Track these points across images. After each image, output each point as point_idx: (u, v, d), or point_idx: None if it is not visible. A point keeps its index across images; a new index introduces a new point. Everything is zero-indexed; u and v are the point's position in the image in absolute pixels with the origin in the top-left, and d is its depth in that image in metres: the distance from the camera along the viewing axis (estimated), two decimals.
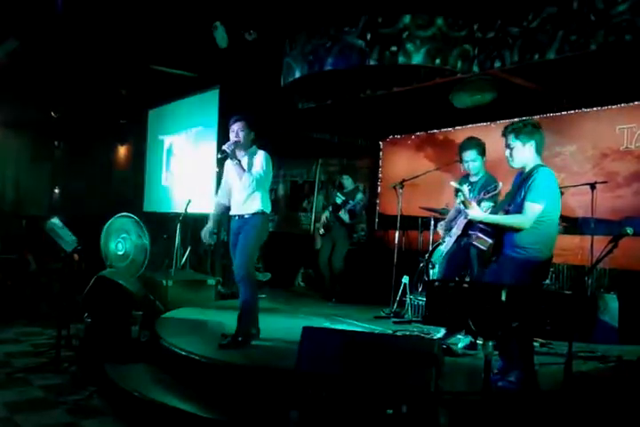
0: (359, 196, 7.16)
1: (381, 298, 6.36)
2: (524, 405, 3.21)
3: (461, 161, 4.80)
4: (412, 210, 6.44)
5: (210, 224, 4.80)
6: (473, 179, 4.80)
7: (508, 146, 3.57)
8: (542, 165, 3.52)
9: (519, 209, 3.43)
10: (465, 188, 3.79)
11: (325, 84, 6.21)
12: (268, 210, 4.57)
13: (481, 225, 3.60)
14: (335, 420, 2.55)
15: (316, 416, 2.60)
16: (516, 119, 6.09)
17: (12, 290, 7.12)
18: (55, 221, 5.15)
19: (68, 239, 5.05)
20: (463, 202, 3.64)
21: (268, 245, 5.18)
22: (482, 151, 4.72)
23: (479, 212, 3.58)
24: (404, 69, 5.50)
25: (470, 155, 4.70)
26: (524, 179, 3.51)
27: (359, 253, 7.48)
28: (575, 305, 2.45)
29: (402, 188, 6.10)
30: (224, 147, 4.47)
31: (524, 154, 3.53)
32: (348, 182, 7.31)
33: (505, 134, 3.59)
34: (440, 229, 4.97)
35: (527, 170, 3.54)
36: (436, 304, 2.39)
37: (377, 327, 5.28)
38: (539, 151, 3.55)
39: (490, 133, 6.43)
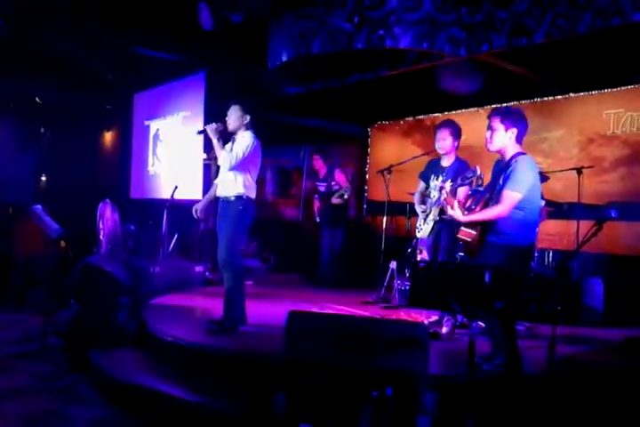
0: (339, 176, 7.08)
1: (370, 283, 6.38)
2: (508, 388, 3.24)
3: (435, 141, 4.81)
4: (400, 196, 6.44)
5: (202, 201, 4.81)
6: (444, 163, 4.79)
7: (490, 127, 3.58)
8: (521, 153, 3.53)
9: (498, 198, 3.45)
10: (447, 184, 3.78)
11: (313, 67, 6.16)
12: (252, 195, 4.55)
13: None
14: (321, 403, 2.56)
15: (303, 400, 2.61)
16: (503, 104, 6.17)
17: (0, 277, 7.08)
18: (38, 207, 5.10)
19: (52, 226, 5.01)
20: (446, 200, 3.65)
21: (257, 231, 5.17)
22: (454, 132, 4.71)
23: (460, 214, 3.57)
24: (392, 53, 5.47)
25: (441, 133, 4.71)
26: (503, 167, 3.52)
27: (348, 238, 7.48)
28: (560, 288, 2.46)
29: (389, 173, 6.09)
30: (207, 126, 4.52)
31: (503, 139, 3.54)
32: (318, 164, 7.24)
33: (490, 116, 3.60)
34: (419, 211, 4.96)
35: (507, 158, 3.56)
36: (421, 286, 2.39)
37: (365, 313, 5.30)
38: (519, 140, 3.56)
39: (476, 119, 6.45)
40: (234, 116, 4.57)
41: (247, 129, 4.59)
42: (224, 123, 4.58)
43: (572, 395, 3.18)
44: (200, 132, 4.72)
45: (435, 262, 3.87)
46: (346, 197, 6.95)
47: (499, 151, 3.62)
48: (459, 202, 3.64)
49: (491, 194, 3.59)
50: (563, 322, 4.01)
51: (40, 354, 4.79)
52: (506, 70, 5.77)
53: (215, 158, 4.83)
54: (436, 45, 4.92)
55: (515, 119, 3.54)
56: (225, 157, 4.44)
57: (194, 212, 4.77)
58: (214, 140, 4.50)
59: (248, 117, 4.58)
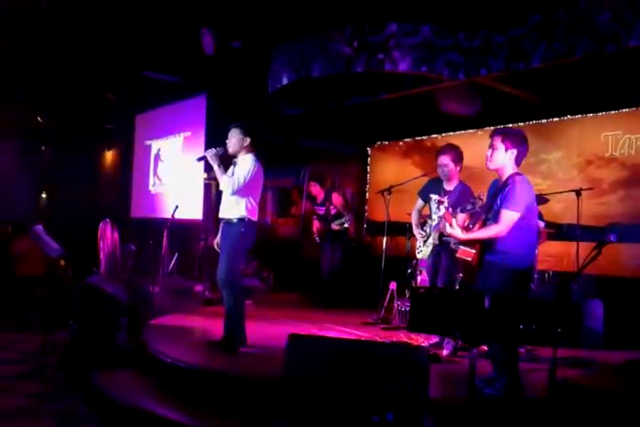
0: (336, 200, 7.14)
1: (370, 304, 6.36)
2: (508, 411, 3.22)
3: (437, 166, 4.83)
4: (400, 216, 6.46)
5: (219, 234, 4.78)
6: (448, 187, 4.79)
7: (491, 146, 3.62)
8: (518, 174, 3.57)
9: (496, 217, 3.47)
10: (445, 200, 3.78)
11: (312, 90, 6.23)
12: (254, 217, 4.56)
13: None
14: None
15: (303, 424, 2.60)
16: (501, 126, 6.22)
17: None
18: (39, 228, 5.11)
19: (52, 246, 5.02)
20: (444, 217, 3.66)
21: (257, 251, 5.17)
22: (456, 158, 4.71)
23: (460, 233, 3.58)
24: (391, 77, 5.53)
25: (443, 159, 4.72)
26: (500, 187, 3.56)
27: (348, 258, 7.48)
28: (560, 311, 2.46)
29: (390, 194, 6.12)
30: (206, 152, 4.52)
31: (503, 159, 3.58)
32: (316, 190, 7.32)
33: (493, 135, 3.64)
34: (417, 234, 4.97)
35: (503, 178, 3.59)
36: (421, 311, 2.40)
37: (365, 334, 5.29)
38: (518, 162, 3.60)
39: (476, 141, 6.50)
40: (234, 139, 4.57)
41: (248, 152, 4.60)
42: (224, 146, 4.58)
43: (573, 418, 3.16)
44: (200, 159, 4.66)
45: (434, 288, 3.87)
46: (346, 225, 6.98)
47: (497, 170, 3.65)
48: (458, 224, 3.66)
49: (487, 214, 3.61)
50: (563, 345, 4.00)
51: (39, 375, 4.77)
52: (504, 93, 5.84)
53: (215, 178, 4.84)
54: (435, 69, 4.99)
55: (516, 140, 3.58)
56: (227, 182, 4.44)
57: (215, 246, 4.76)
58: (215, 166, 4.48)
59: (248, 140, 4.58)
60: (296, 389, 2.57)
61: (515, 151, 3.56)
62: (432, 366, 2.90)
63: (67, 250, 5.06)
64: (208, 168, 6.65)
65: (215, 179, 4.90)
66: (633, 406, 3.22)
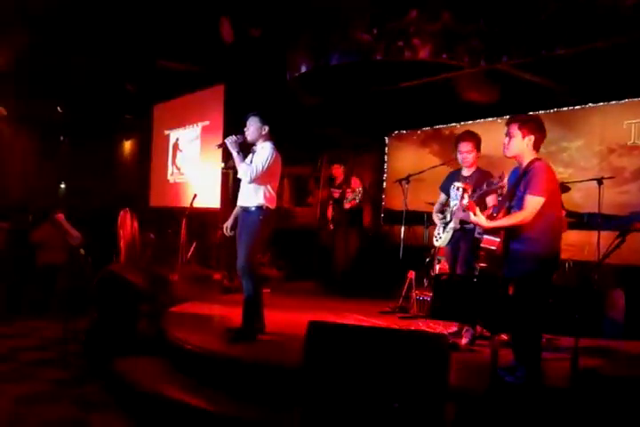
0: (354, 183, 7.14)
1: (387, 293, 6.36)
2: (528, 400, 3.21)
3: (457, 153, 4.80)
4: (418, 205, 6.42)
5: (231, 218, 4.82)
6: (465, 173, 4.78)
7: (508, 134, 3.59)
8: (538, 159, 3.53)
9: (520, 204, 3.44)
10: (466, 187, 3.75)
11: (331, 79, 6.20)
12: (273, 205, 4.57)
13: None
14: (341, 416, 2.55)
15: (322, 412, 2.60)
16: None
17: (19, 284, 7.15)
18: (60, 216, 5.16)
19: (73, 234, 5.07)
20: (468, 206, 3.63)
21: (274, 240, 5.18)
22: (477, 144, 4.70)
23: (485, 220, 3.55)
24: (411, 64, 5.48)
25: (466, 146, 4.70)
26: (522, 174, 3.52)
27: (366, 247, 7.47)
28: (582, 300, 2.44)
29: (407, 183, 6.09)
30: (226, 139, 4.54)
31: (520, 146, 3.55)
32: (338, 172, 7.33)
33: (509, 123, 3.61)
34: (436, 219, 4.94)
35: (523, 165, 3.55)
36: (443, 298, 2.38)
37: (383, 322, 5.29)
38: (536, 148, 3.56)
39: (496, 129, 6.42)
40: (253, 128, 4.57)
41: (266, 140, 4.60)
42: (243, 134, 4.58)
43: (594, 408, 3.14)
44: (220, 146, 4.71)
45: (456, 275, 3.84)
46: (357, 200, 6.95)
47: (515, 157, 3.62)
48: (483, 212, 3.63)
49: (510, 202, 3.58)
50: (584, 334, 3.97)
51: (60, 361, 4.84)
52: (525, 80, 5.76)
53: (233, 167, 4.85)
54: (456, 56, 4.93)
55: (532, 127, 3.54)
56: (245, 169, 4.45)
57: (225, 230, 4.80)
58: (234, 153, 4.50)
59: (267, 128, 4.58)
60: (316, 376, 2.57)
61: (532, 138, 3.53)
62: (453, 354, 2.89)
63: (87, 238, 5.11)
64: (227, 156, 6.67)
65: (233, 167, 4.91)
66: None
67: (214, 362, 4.05)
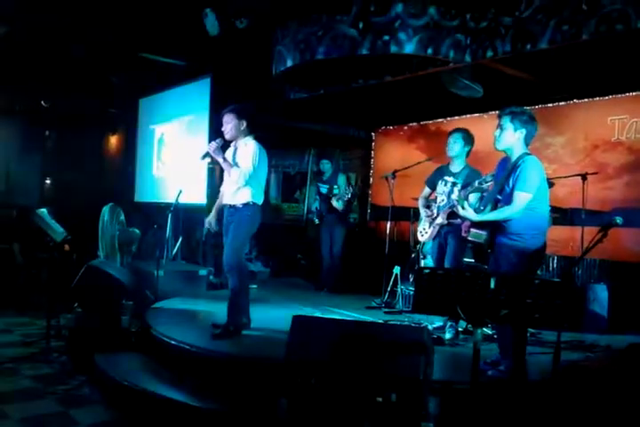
0: (341, 180, 7.12)
1: (373, 288, 6.37)
2: (512, 394, 3.23)
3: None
4: (405, 201, 6.43)
5: (212, 213, 4.78)
6: (453, 168, 4.80)
7: (499, 126, 3.60)
8: (528, 154, 3.56)
9: (509, 199, 3.46)
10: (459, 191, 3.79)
11: (317, 73, 6.17)
12: (260, 201, 4.55)
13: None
14: (324, 408, 2.55)
15: (306, 405, 2.61)
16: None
17: (1, 280, 7.08)
18: (43, 211, 5.11)
19: (57, 229, 5.02)
20: (458, 201, 3.65)
21: (260, 235, 5.17)
22: (466, 138, 4.75)
23: (472, 213, 3.57)
24: (397, 59, 5.47)
25: (453, 137, 4.75)
26: (511, 168, 3.54)
27: (352, 243, 7.47)
28: (564, 294, 2.45)
29: (394, 178, 6.10)
30: (207, 147, 4.42)
31: (511, 139, 3.57)
32: (326, 167, 7.29)
33: (501, 115, 3.63)
34: (423, 215, 4.96)
35: (513, 159, 3.57)
36: (425, 292, 2.39)
37: (368, 317, 5.29)
38: (527, 142, 3.59)
39: (482, 124, 6.44)
40: (230, 125, 4.49)
41: (247, 135, 4.55)
42: (222, 136, 4.49)
43: (576, 401, 3.16)
44: (204, 157, 4.53)
45: (439, 269, 3.86)
46: (346, 198, 6.93)
47: (505, 151, 3.64)
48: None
49: (499, 195, 3.60)
50: (567, 328, 4.00)
51: (43, 357, 4.80)
52: (510, 76, 5.77)
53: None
54: (441, 51, 4.93)
55: (525, 121, 3.56)
56: (237, 175, 4.36)
57: (207, 225, 4.77)
58: (220, 161, 4.44)
59: (245, 123, 4.50)
60: (299, 369, 2.57)
61: (524, 131, 3.55)
62: (435, 348, 2.90)
63: (71, 234, 5.06)
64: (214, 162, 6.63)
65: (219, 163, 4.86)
66: (635, 390, 3.22)
67: (199, 358, 4.04)
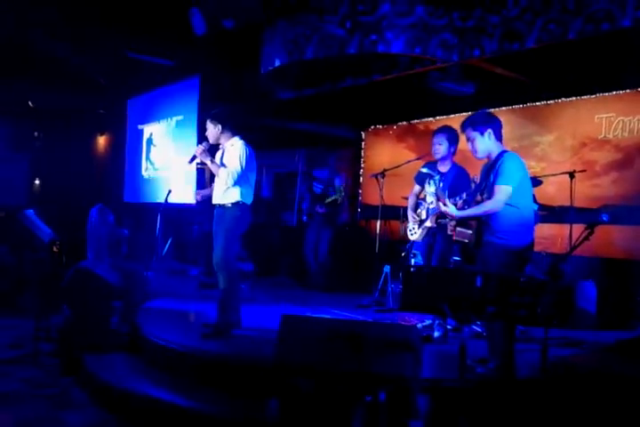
0: (338, 181, 7.14)
1: (364, 287, 6.38)
2: (500, 391, 3.24)
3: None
4: (394, 200, 6.45)
5: (206, 191, 4.82)
6: (441, 168, 4.81)
7: (468, 139, 3.65)
8: (506, 151, 3.59)
9: (490, 194, 3.49)
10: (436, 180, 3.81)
11: (306, 73, 6.17)
12: (249, 201, 4.55)
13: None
14: (314, 408, 2.55)
15: (295, 404, 2.61)
16: (496, 109, 6.20)
17: None
18: (30, 212, 5.08)
19: (44, 230, 4.99)
20: (437, 197, 3.69)
21: (251, 235, 5.17)
22: (451, 138, 4.74)
23: (453, 209, 3.59)
24: (384, 58, 5.48)
25: (438, 137, 4.75)
26: (490, 166, 3.57)
27: (342, 242, 7.48)
28: (552, 291, 2.47)
29: (383, 178, 6.11)
30: (195, 151, 4.49)
31: (485, 143, 3.62)
32: (323, 175, 7.33)
33: (463, 129, 3.69)
34: (411, 219, 4.97)
35: (493, 158, 3.60)
36: (412, 290, 2.40)
37: (359, 316, 5.30)
38: (498, 138, 3.63)
39: None
40: (208, 131, 4.60)
41: (232, 136, 4.58)
42: (207, 140, 4.58)
43: (565, 398, 3.18)
44: (192, 160, 4.60)
45: (426, 267, 3.88)
46: (339, 200, 6.94)
47: (487, 157, 3.67)
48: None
49: (482, 195, 3.62)
50: (555, 325, 4.02)
51: (32, 359, 4.76)
52: (498, 75, 5.79)
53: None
54: (429, 50, 4.94)
55: (484, 121, 3.62)
56: (225, 176, 4.40)
57: (196, 195, 4.82)
58: (208, 163, 4.49)
59: (220, 127, 4.55)
60: (288, 369, 2.58)
61: (490, 130, 3.60)
62: (425, 346, 2.91)
63: (59, 235, 5.04)
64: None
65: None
66: (623, 386, 3.25)
67: (189, 358, 4.03)
